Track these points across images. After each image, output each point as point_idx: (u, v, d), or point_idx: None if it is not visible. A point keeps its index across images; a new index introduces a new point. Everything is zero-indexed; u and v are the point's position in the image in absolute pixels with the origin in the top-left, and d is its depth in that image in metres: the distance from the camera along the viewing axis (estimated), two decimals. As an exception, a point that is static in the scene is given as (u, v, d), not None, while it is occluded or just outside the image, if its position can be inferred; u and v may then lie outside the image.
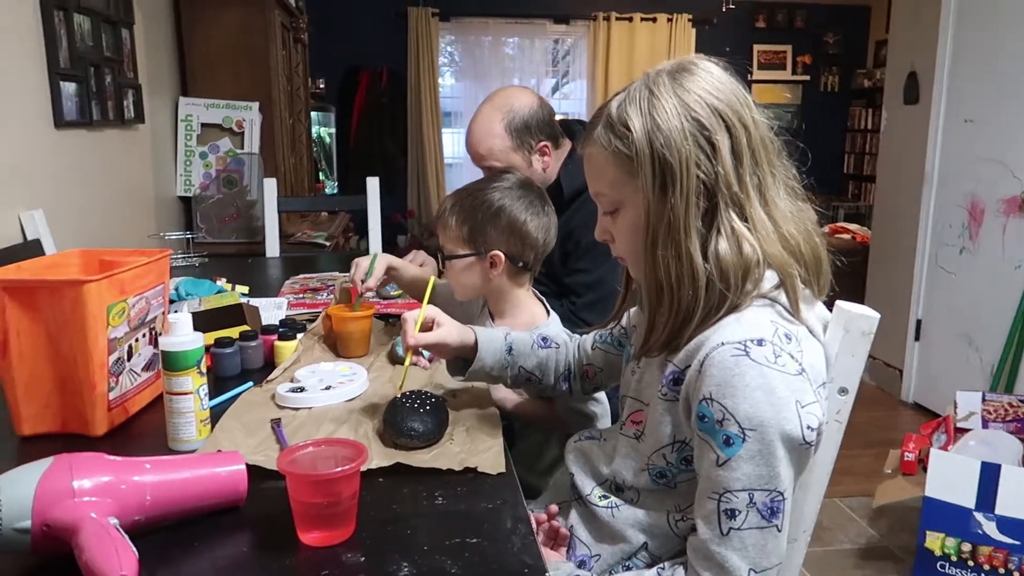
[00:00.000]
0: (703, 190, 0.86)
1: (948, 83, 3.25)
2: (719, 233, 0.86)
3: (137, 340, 1.16)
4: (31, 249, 1.90)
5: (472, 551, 0.80)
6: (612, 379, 1.18)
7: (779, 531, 0.81)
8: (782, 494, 0.80)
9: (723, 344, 0.81)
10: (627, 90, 0.90)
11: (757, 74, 6.60)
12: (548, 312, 1.40)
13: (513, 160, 1.66)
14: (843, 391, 0.89)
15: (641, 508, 0.95)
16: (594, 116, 0.94)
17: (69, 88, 2.22)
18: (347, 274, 1.87)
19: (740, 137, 0.86)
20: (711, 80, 0.88)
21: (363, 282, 1.47)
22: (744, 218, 0.86)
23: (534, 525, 0.92)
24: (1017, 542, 1.85)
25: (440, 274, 1.85)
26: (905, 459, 2.31)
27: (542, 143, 1.69)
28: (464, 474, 0.97)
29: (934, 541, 1.95)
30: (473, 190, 1.37)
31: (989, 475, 1.88)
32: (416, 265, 1.82)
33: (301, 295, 1.94)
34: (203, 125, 3.24)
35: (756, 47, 6.54)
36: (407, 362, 1.11)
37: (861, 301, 0.90)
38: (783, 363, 0.80)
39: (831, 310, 0.92)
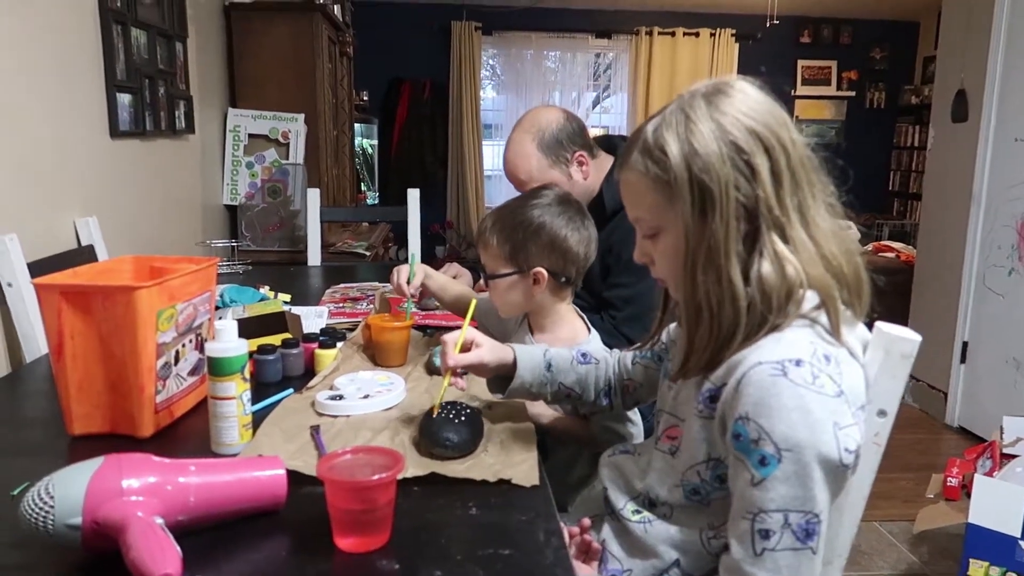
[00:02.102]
0: (743, 213, 0.86)
1: (998, 101, 3.18)
2: (761, 256, 0.86)
3: (184, 345, 1.20)
4: (85, 255, 1.97)
5: (504, 562, 0.81)
6: (652, 394, 1.18)
7: (814, 553, 0.80)
8: (818, 516, 0.80)
9: (760, 363, 0.81)
10: (662, 114, 0.91)
11: (801, 89, 6.54)
12: (589, 329, 1.41)
13: (552, 176, 1.68)
14: (882, 413, 0.88)
15: (674, 524, 0.95)
16: (630, 141, 0.94)
17: (124, 99, 2.30)
18: (386, 285, 1.91)
19: (779, 158, 0.86)
20: (748, 101, 0.88)
21: (408, 283, 1.51)
22: (785, 240, 0.86)
23: (566, 538, 0.93)
24: (1065, 574, 1.79)
25: (475, 286, 1.87)
26: (948, 484, 2.25)
27: (577, 153, 1.70)
28: (498, 485, 0.98)
29: (977, 570, 1.90)
30: (513, 208, 1.38)
31: (1036, 504, 1.82)
32: (450, 276, 1.85)
33: (341, 304, 1.98)
34: (250, 136, 3.33)
35: (800, 62, 6.48)
36: (445, 383, 1.12)
37: (905, 321, 0.89)
38: (821, 384, 0.80)
39: (872, 330, 0.91)
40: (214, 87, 3.22)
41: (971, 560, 1.91)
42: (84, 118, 2.12)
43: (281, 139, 3.34)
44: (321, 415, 1.20)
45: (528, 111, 1.78)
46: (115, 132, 2.24)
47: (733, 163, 0.85)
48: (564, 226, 1.34)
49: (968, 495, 1.96)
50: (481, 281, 1.91)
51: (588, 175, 1.71)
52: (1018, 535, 1.85)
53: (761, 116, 0.87)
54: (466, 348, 1.12)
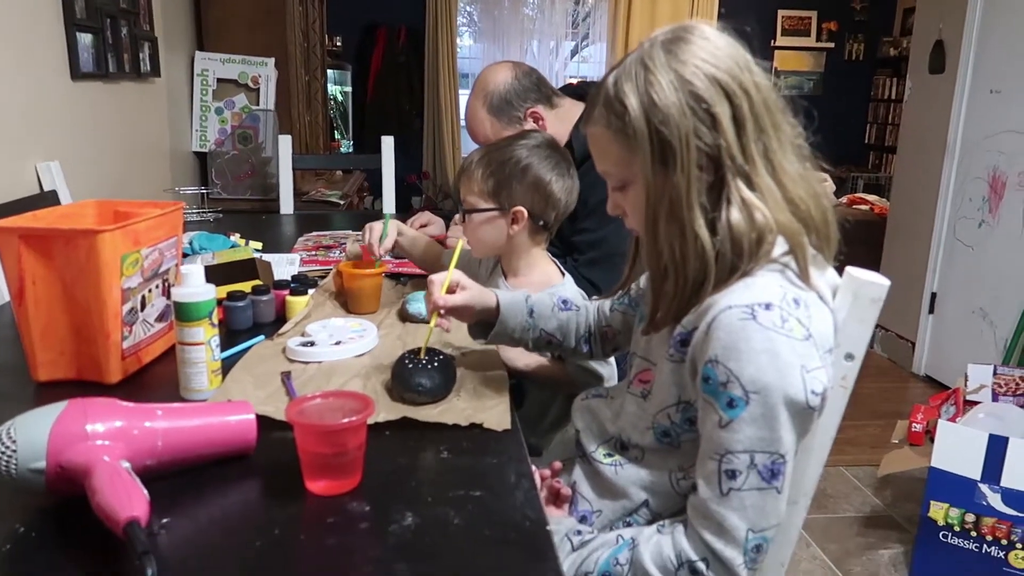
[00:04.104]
0: (707, 162, 0.85)
1: (975, 52, 3.18)
2: (729, 204, 0.85)
3: (150, 291, 1.18)
4: (47, 200, 1.92)
5: (475, 503, 0.81)
6: (630, 341, 1.18)
7: (779, 493, 0.82)
8: (783, 457, 0.81)
9: (731, 307, 0.81)
10: (623, 64, 0.89)
11: (780, 40, 6.47)
12: (563, 273, 1.40)
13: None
14: (849, 357, 0.89)
15: (644, 467, 0.96)
16: (593, 94, 0.92)
17: (85, 39, 2.21)
18: (359, 233, 1.88)
19: (741, 104, 0.84)
20: (708, 47, 0.86)
21: (379, 245, 1.49)
22: (752, 187, 0.85)
23: (537, 481, 0.94)
24: (1021, 514, 1.86)
25: (446, 233, 1.86)
26: (912, 430, 2.31)
27: (530, 110, 1.70)
28: (470, 430, 0.98)
29: (938, 511, 1.96)
30: (501, 145, 1.37)
31: (996, 447, 1.88)
32: (419, 225, 1.84)
33: (314, 252, 1.95)
34: (219, 80, 3.24)
35: (780, 12, 6.39)
36: (432, 324, 1.11)
37: (877, 272, 0.90)
38: (790, 328, 0.80)
39: (842, 275, 0.92)
40: (180, 29, 3.11)
41: (932, 502, 1.97)
42: (43, 59, 2.04)
43: (251, 84, 3.25)
44: (292, 361, 1.19)
45: (482, 71, 1.76)
46: (76, 74, 2.16)
47: (694, 113, 0.83)
48: (550, 170, 1.33)
49: (932, 440, 2.01)
50: (456, 217, 1.90)
51: (546, 128, 1.70)
52: (978, 478, 1.91)
53: (722, 62, 0.85)
54: (451, 290, 1.11)
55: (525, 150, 1.33)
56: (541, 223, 1.35)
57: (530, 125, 1.69)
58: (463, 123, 6.32)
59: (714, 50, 0.86)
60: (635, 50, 0.89)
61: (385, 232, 1.51)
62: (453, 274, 1.12)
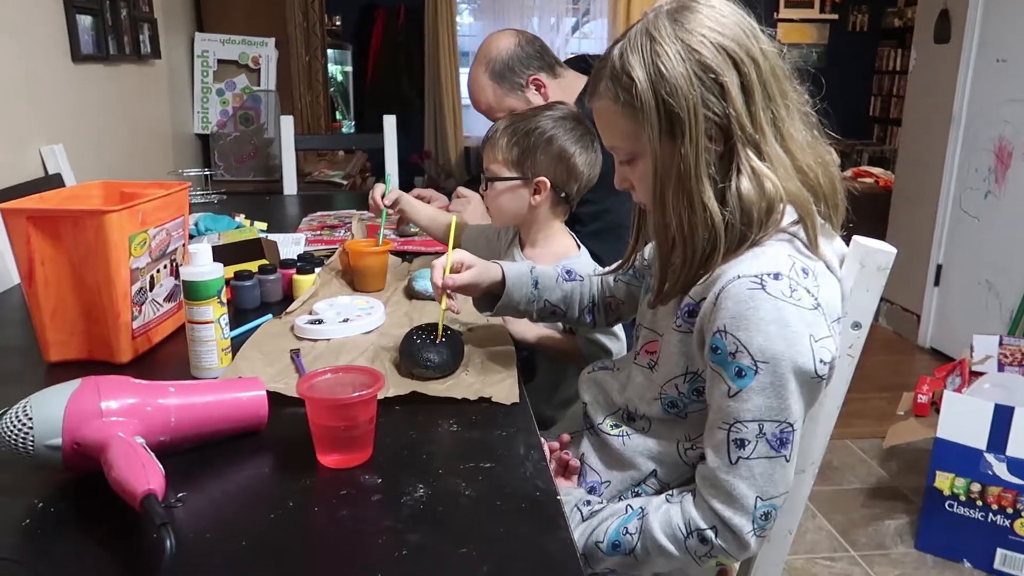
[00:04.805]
0: (717, 132, 0.85)
1: (981, 21, 3.14)
2: (739, 173, 0.84)
3: (159, 271, 1.18)
4: (52, 183, 1.92)
5: (485, 475, 0.82)
6: (634, 311, 1.18)
7: (787, 461, 0.82)
8: (791, 425, 0.81)
9: (739, 277, 0.81)
10: (627, 36, 0.88)
11: (783, 12, 6.40)
12: (579, 246, 1.40)
13: (511, 104, 1.69)
14: (856, 326, 0.90)
15: (652, 437, 0.97)
16: (597, 67, 0.91)
17: (85, 21, 2.20)
18: (364, 212, 1.89)
19: (749, 72, 0.84)
20: (713, 15, 0.85)
21: (383, 198, 1.54)
22: (761, 156, 0.85)
23: (547, 453, 0.94)
24: (1026, 483, 1.87)
25: (448, 207, 1.86)
26: (918, 401, 2.32)
27: (532, 77, 1.69)
28: (478, 404, 0.99)
29: (944, 481, 1.97)
30: (527, 115, 1.37)
31: (1002, 417, 1.88)
32: (424, 199, 1.85)
33: (319, 231, 1.96)
34: (219, 61, 3.22)
35: (784, -17, 6.32)
36: (443, 307, 1.10)
37: (882, 243, 0.90)
38: (798, 297, 0.80)
39: (849, 245, 0.92)
40: (179, 10, 3.09)
41: (938, 472, 1.98)
42: (44, 42, 2.03)
43: (252, 65, 3.24)
44: (301, 339, 1.20)
45: (485, 38, 1.75)
46: (77, 56, 2.15)
47: (701, 83, 0.83)
48: (575, 143, 1.33)
49: (937, 411, 2.02)
50: (460, 188, 1.90)
51: (547, 97, 1.69)
52: (983, 448, 1.91)
53: (729, 30, 0.84)
54: (456, 270, 1.11)
55: (551, 121, 1.33)
56: (563, 195, 1.35)
57: (532, 92, 1.69)
58: (464, 102, 6.28)
59: (720, 18, 0.85)
60: (639, 21, 0.88)
61: (388, 189, 1.55)
62: (457, 254, 1.12)
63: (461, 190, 1.90)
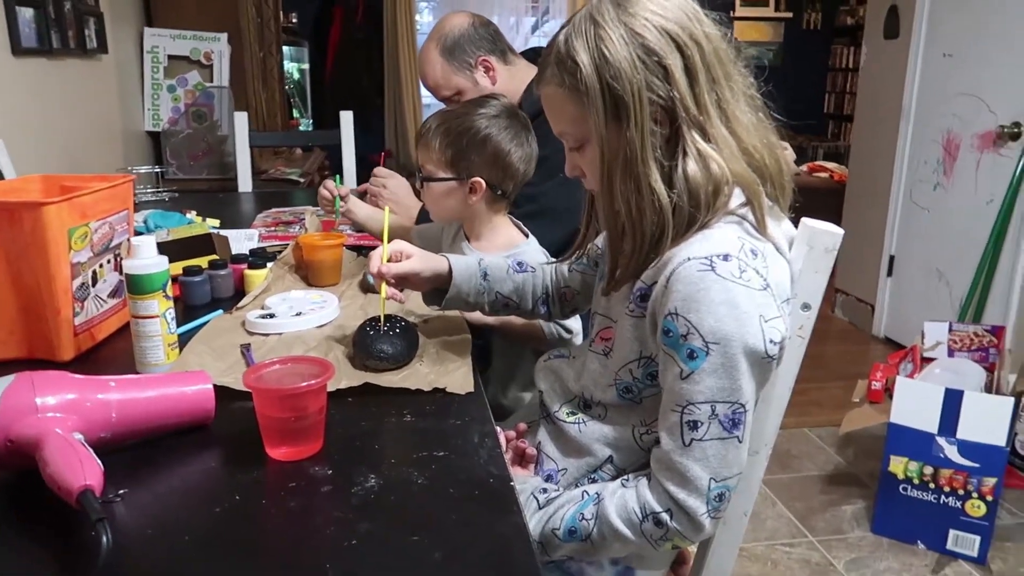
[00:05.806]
0: (662, 115, 0.85)
1: (928, 16, 3.22)
2: (685, 156, 0.85)
3: (102, 266, 1.15)
4: (-7, 180, 1.86)
5: (439, 464, 0.81)
6: (590, 302, 1.18)
7: (740, 442, 0.83)
8: (743, 406, 0.82)
9: (689, 259, 0.82)
10: (572, 22, 0.88)
11: (739, 11, 6.49)
12: (527, 235, 1.40)
13: (458, 83, 1.68)
14: (806, 307, 0.90)
15: (607, 423, 0.97)
16: (545, 53, 0.91)
17: (26, 14, 2.13)
18: (319, 209, 1.86)
19: (693, 55, 0.84)
20: None
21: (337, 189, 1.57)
22: (707, 138, 0.85)
23: (502, 441, 0.94)
24: (976, 465, 1.91)
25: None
26: (872, 388, 2.36)
27: (481, 58, 1.69)
28: (433, 394, 0.98)
29: (897, 465, 2.01)
30: (460, 113, 1.34)
31: (952, 401, 1.92)
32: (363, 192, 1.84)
33: (273, 228, 1.92)
34: (170, 57, 3.15)
35: (739, -19, 6.41)
36: (383, 295, 1.09)
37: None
38: (748, 278, 0.81)
39: (797, 227, 0.92)
40: (126, 3, 3.02)
41: (892, 457, 2.02)
42: (-18, 34, 1.96)
43: (204, 60, 3.17)
44: (252, 334, 1.17)
45: (441, 17, 1.74)
46: (17, 50, 2.08)
47: (645, 66, 0.83)
48: (509, 141, 1.32)
49: (891, 397, 2.06)
50: (417, 183, 1.88)
51: (496, 80, 1.69)
52: (935, 431, 1.96)
53: (672, 13, 0.85)
54: (396, 260, 1.10)
55: (484, 120, 1.31)
56: (499, 192, 1.34)
57: (480, 74, 1.68)
58: (426, 100, 6.25)
59: (663, 1, 0.85)
60: (584, 6, 0.88)
61: (338, 183, 1.57)
62: (396, 244, 1.10)
63: (379, 170, 1.86)
